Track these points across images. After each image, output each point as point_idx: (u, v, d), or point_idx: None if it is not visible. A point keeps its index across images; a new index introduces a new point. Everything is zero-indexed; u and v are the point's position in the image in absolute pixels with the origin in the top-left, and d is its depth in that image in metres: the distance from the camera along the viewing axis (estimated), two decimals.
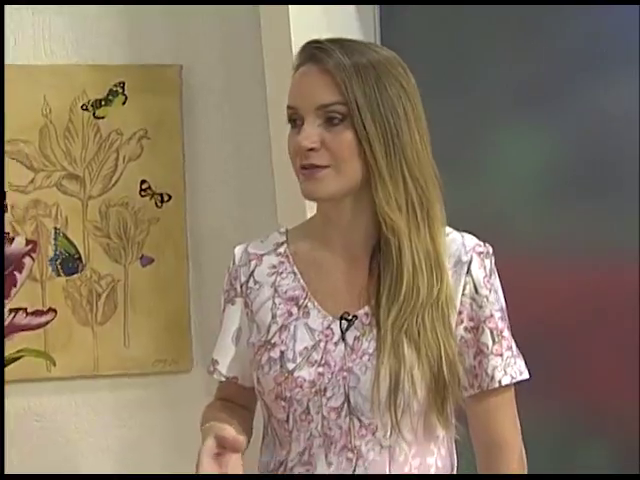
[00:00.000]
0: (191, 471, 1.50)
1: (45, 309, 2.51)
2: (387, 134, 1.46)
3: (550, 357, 2.31)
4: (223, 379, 1.60)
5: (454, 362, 1.45)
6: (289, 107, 1.51)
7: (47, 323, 2.48)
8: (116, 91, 2.51)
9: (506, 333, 1.51)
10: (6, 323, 2.48)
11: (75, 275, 2.55)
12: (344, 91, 1.45)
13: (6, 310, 2.48)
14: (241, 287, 1.59)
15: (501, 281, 1.59)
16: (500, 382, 1.49)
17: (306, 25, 2.28)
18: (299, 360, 1.47)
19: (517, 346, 1.58)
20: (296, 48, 1.90)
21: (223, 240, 2.52)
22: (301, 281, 1.56)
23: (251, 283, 1.58)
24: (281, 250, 1.60)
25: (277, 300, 1.55)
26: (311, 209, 1.72)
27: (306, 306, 1.53)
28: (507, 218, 2.35)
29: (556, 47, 2.23)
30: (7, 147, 2.46)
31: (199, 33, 2.54)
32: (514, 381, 1.52)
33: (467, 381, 1.51)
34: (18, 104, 2.46)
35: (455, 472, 1.56)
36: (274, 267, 1.59)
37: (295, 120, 1.50)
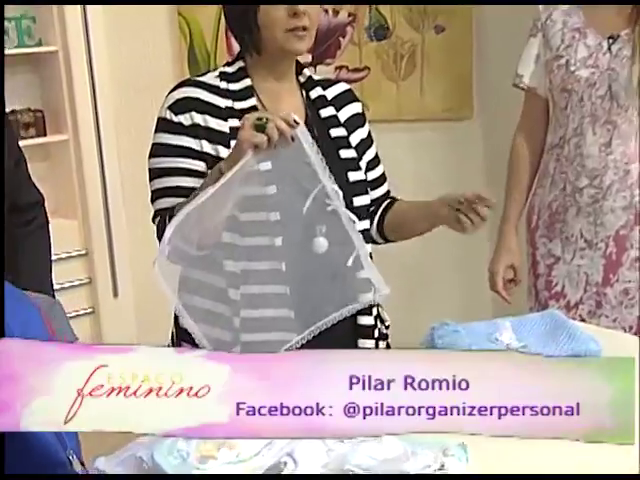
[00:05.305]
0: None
1: (361, 67, 3.07)
2: None
3: None
4: (526, 87, 2.22)
5: None
6: None
7: (363, 78, 3.07)
8: None
9: None
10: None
11: (384, 41, 3.04)
12: None
13: (333, 67, 3.04)
14: (541, 25, 2.18)
15: None
16: None
17: None
18: (578, 64, 2.09)
19: None
20: None
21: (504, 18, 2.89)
22: None
23: (548, 22, 2.17)
24: None
25: (564, 30, 2.14)
26: None
27: (585, 32, 2.12)
28: None
29: None
30: None
31: None
32: None
33: None
34: None
35: None
36: None
37: None
